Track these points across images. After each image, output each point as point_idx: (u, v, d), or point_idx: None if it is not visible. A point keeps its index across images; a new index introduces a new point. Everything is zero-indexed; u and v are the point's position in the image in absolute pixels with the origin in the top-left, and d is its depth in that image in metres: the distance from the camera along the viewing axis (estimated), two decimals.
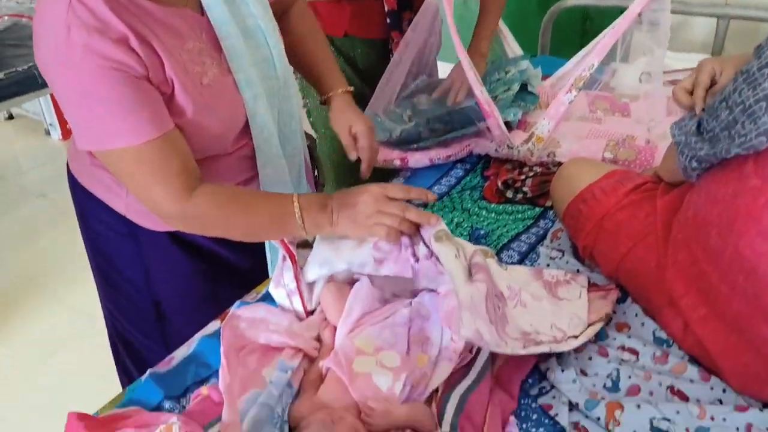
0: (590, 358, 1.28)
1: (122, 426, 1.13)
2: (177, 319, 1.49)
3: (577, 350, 1.30)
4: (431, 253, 1.28)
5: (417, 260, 1.30)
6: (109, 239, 1.46)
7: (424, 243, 1.30)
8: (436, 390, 1.20)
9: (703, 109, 1.29)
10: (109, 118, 1.13)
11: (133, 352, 1.60)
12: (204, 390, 1.18)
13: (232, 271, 1.55)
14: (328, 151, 2.25)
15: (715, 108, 1.12)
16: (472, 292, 1.19)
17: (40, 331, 2.84)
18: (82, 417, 1.15)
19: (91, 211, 1.46)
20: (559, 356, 1.29)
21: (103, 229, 1.46)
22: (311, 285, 1.37)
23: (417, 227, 1.28)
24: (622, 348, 1.30)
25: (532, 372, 1.28)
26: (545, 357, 1.29)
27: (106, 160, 1.21)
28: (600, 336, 1.33)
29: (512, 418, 1.17)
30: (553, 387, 1.23)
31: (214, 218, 1.25)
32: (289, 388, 1.19)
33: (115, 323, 1.59)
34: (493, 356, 1.28)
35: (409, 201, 1.30)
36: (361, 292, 1.29)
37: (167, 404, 1.21)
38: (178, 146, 1.20)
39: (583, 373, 1.25)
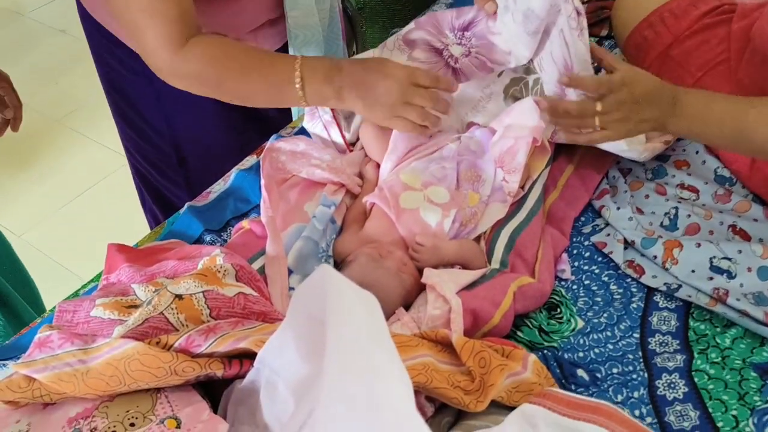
0: (647, 197, 1.21)
1: (163, 257, 1.11)
2: (199, 165, 1.42)
3: (633, 187, 1.23)
4: (468, 51, 1.20)
5: (455, 60, 1.21)
6: (125, 78, 1.37)
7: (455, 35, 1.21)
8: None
9: None
10: None
11: (159, 198, 1.56)
12: (245, 223, 1.14)
13: (255, 116, 1.44)
14: None
15: None
16: None
17: (72, 168, 2.83)
18: (121, 248, 1.12)
19: (105, 47, 1.35)
20: (614, 194, 1.22)
21: (116, 64, 1.36)
22: (348, 118, 1.29)
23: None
24: (682, 186, 1.22)
25: (585, 210, 1.22)
26: (600, 194, 1.23)
27: None
28: (658, 173, 1.25)
29: (564, 256, 1.13)
30: (607, 225, 1.18)
31: (206, 75, 1.09)
32: (332, 223, 1.15)
33: (138, 167, 1.53)
34: (546, 192, 1.22)
35: None
36: None
37: (208, 237, 1.18)
38: None
39: (640, 211, 1.19)
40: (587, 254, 1.14)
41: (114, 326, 0.91)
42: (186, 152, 1.44)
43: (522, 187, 1.18)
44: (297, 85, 1.08)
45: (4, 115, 1.37)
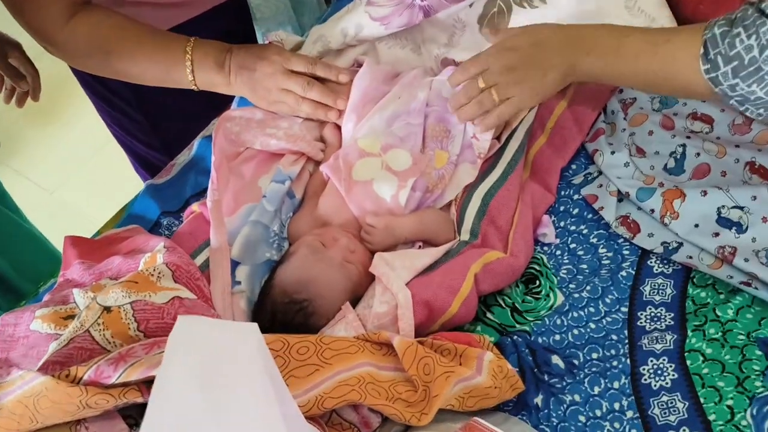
0: (651, 133, 1.04)
1: (115, 250, 1.05)
2: (172, 128, 1.33)
3: (635, 122, 1.06)
4: None
5: None
6: None
7: None
8: None
9: None
10: None
11: (145, 164, 1.49)
12: (195, 206, 1.05)
13: None
14: None
15: None
16: None
17: (96, 117, 2.79)
18: (76, 242, 1.07)
19: None
20: (612, 133, 1.06)
21: None
22: None
23: None
24: (694, 116, 1.05)
25: (577, 155, 1.07)
26: (594, 135, 1.07)
27: None
28: (667, 101, 1.07)
29: (546, 218, 0.99)
30: (600, 173, 1.02)
31: (89, 51, 1.03)
32: (290, 199, 1.05)
33: (118, 136, 1.47)
34: (531, 138, 1.07)
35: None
36: (364, 75, 1.07)
37: (165, 220, 1.11)
38: None
39: (640, 152, 1.03)
40: (575, 211, 1.00)
41: (50, 341, 0.88)
42: (156, 118, 1.36)
43: (498, 138, 1.03)
44: (187, 70, 1.02)
45: (20, 88, 1.32)
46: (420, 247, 0.95)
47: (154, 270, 0.90)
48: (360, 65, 1.12)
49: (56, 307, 0.93)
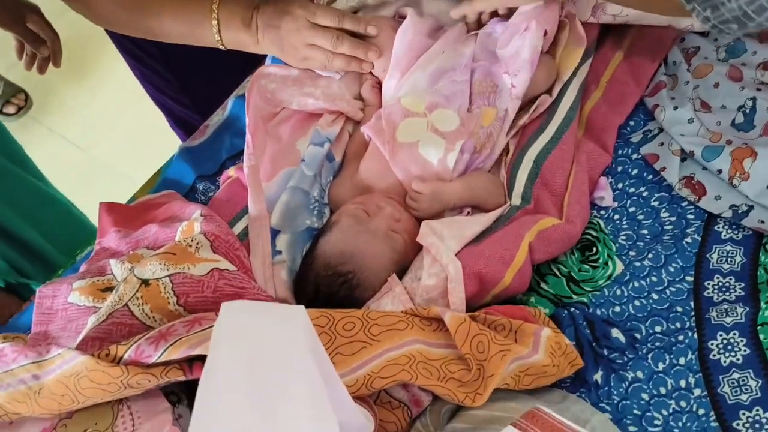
0: (716, 85, 0.96)
1: (152, 216, 1.02)
2: (202, 85, 1.28)
3: (699, 73, 0.98)
4: None
5: None
6: None
7: None
8: (507, 150, 0.96)
9: None
10: None
11: (179, 122, 1.45)
12: (232, 171, 1.01)
13: None
14: None
15: None
16: None
17: (128, 72, 2.76)
18: (111, 208, 1.04)
19: None
20: (673, 85, 0.98)
21: None
22: None
23: None
24: (765, 65, 0.96)
25: (636, 111, 0.99)
26: (654, 89, 0.99)
27: None
28: (734, 50, 0.99)
29: (603, 180, 0.93)
30: (661, 131, 0.95)
31: (113, 9, 0.99)
32: (329, 162, 1.00)
33: (152, 94, 1.42)
34: (586, 93, 1.00)
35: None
36: (407, 29, 1.00)
37: (201, 185, 1.07)
38: None
39: (705, 106, 0.95)
40: (635, 171, 0.94)
41: (89, 314, 0.86)
42: (185, 77, 1.32)
43: (549, 93, 0.96)
44: (214, 29, 0.97)
45: (41, 53, 1.28)
46: (469, 213, 0.90)
47: (192, 240, 0.87)
48: (402, 18, 1.05)
49: (93, 279, 0.90)
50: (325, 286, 0.82)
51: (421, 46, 1.00)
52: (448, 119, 0.92)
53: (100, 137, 2.62)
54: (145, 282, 0.82)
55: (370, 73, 1.05)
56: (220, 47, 1.00)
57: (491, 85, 0.96)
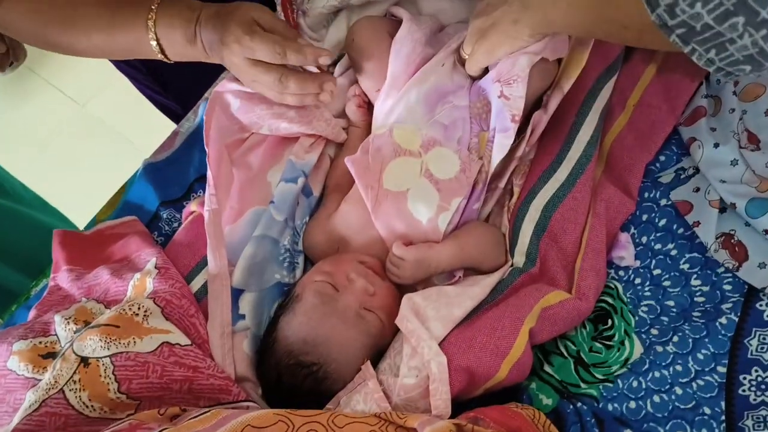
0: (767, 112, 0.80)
1: (106, 255, 0.90)
2: (174, 77, 1.13)
3: (748, 95, 0.82)
4: None
5: None
6: None
7: None
8: (511, 191, 0.82)
9: None
10: None
11: (165, 110, 1.31)
12: (194, 205, 0.88)
13: None
14: None
15: None
16: None
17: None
18: (65, 240, 0.93)
19: None
20: (716, 112, 0.82)
21: None
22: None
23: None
24: None
25: (667, 143, 0.83)
26: (692, 116, 0.82)
27: None
28: None
29: (624, 238, 0.78)
30: (698, 171, 0.79)
31: (28, 32, 0.82)
32: (306, 198, 0.87)
33: (134, 83, 1.27)
34: (609, 117, 0.84)
35: None
36: (404, 40, 0.84)
37: (165, 213, 0.94)
38: None
39: (753, 140, 0.79)
40: (662, 222, 0.79)
41: (27, 388, 0.76)
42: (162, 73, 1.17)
43: (545, 108, 0.80)
44: (155, 50, 0.80)
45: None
46: (460, 278, 0.76)
47: (140, 308, 0.75)
48: (394, 17, 0.89)
49: (35, 340, 0.80)
50: (287, 376, 0.71)
51: (421, 58, 0.84)
52: (446, 162, 0.78)
53: (98, 92, 2.48)
54: (84, 361, 0.72)
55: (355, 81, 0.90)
56: (167, 60, 0.84)
57: (485, 103, 0.81)
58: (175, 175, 0.97)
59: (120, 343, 0.72)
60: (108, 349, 0.72)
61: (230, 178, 0.86)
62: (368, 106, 0.89)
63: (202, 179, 0.95)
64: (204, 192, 0.91)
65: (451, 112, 0.81)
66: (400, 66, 0.83)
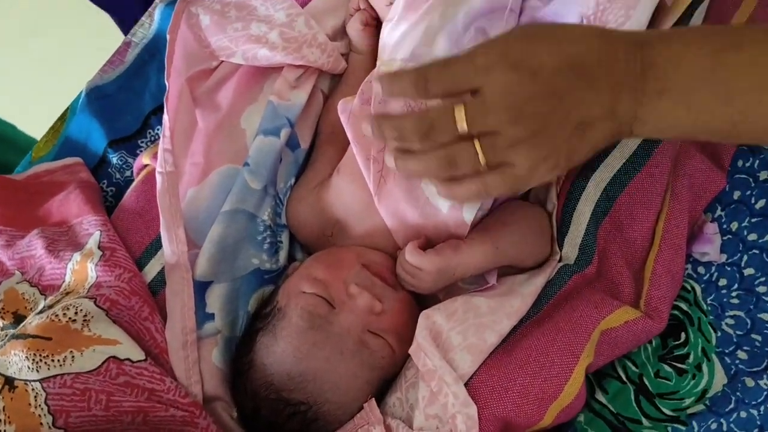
0: None
1: (43, 213, 0.72)
2: None
3: None
4: None
5: None
6: None
7: None
8: None
9: None
10: None
11: None
12: (147, 157, 0.69)
13: None
14: None
15: None
16: None
17: None
18: None
19: None
20: None
21: None
22: None
23: None
24: None
25: None
26: None
27: None
28: None
29: (711, 228, 0.59)
30: None
31: None
32: (292, 151, 0.67)
33: None
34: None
35: None
36: None
37: (114, 157, 0.75)
38: None
39: None
40: (761, 204, 0.60)
41: None
42: None
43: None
44: None
45: None
46: (493, 285, 0.58)
47: (77, 312, 0.58)
48: None
49: None
50: (267, 410, 0.55)
51: None
52: None
53: None
54: (10, 383, 0.56)
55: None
56: None
57: None
58: (127, 103, 0.77)
59: (53, 361, 0.56)
60: (38, 371, 0.56)
61: (193, 123, 0.66)
62: (377, 25, 0.67)
63: (159, 111, 0.75)
64: (139, 157, 0.71)
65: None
66: None
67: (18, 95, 1.78)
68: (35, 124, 1.00)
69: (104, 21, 1.14)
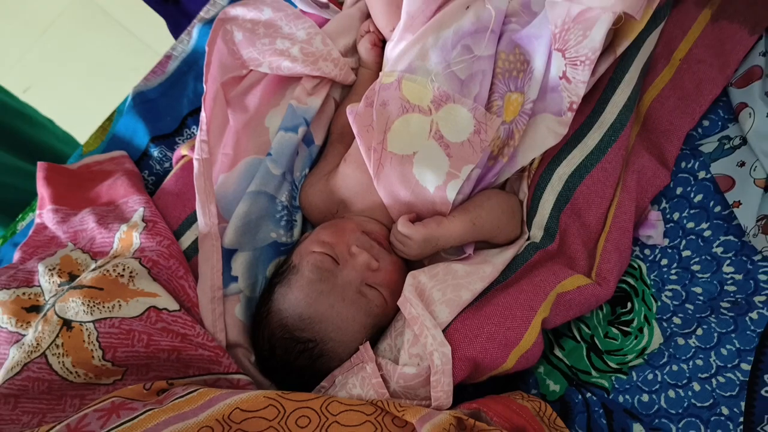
0: None
1: (93, 196, 0.85)
2: None
3: None
4: None
5: None
6: None
7: None
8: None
9: None
10: None
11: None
12: (185, 149, 0.81)
13: None
14: None
15: None
16: None
17: None
18: (50, 175, 0.87)
19: None
20: None
21: None
22: None
23: None
24: None
25: (714, 106, 0.74)
26: (744, 76, 0.73)
27: None
28: None
29: (654, 216, 0.71)
30: (745, 143, 0.71)
31: None
32: (307, 147, 0.79)
33: None
34: (650, 74, 0.75)
35: None
36: None
37: (155, 151, 0.88)
38: None
39: None
40: (698, 198, 0.72)
41: (11, 342, 0.73)
42: None
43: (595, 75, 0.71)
44: None
45: None
46: (470, 255, 0.70)
47: (125, 269, 0.70)
48: None
49: (18, 291, 0.76)
50: (281, 350, 0.66)
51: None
52: (460, 122, 0.69)
53: None
54: (67, 324, 0.68)
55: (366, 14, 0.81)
56: None
57: (520, 60, 0.71)
58: (167, 106, 0.89)
59: (104, 307, 0.68)
60: (91, 314, 0.67)
61: (225, 121, 0.79)
62: (383, 45, 0.80)
63: (195, 113, 0.88)
64: (178, 149, 0.84)
65: (471, 64, 0.71)
66: (416, 5, 0.73)
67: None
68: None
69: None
